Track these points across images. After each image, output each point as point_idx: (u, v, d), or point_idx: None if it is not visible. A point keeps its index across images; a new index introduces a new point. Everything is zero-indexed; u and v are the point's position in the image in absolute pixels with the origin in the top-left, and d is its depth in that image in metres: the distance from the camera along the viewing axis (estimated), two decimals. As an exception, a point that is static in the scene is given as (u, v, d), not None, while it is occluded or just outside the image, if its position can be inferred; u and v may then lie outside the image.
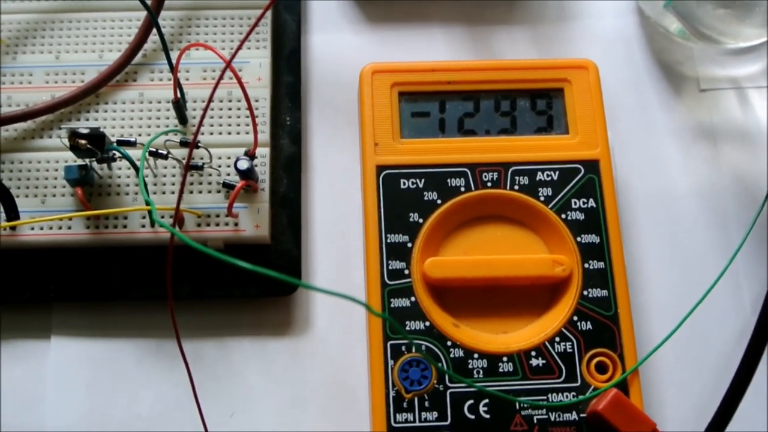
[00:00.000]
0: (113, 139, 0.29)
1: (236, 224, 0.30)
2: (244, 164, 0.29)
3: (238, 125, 0.31)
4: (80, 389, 0.30)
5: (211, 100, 0.25)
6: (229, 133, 0.31)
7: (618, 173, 0.33)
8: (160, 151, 0.29)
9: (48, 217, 0.29)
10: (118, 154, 0.29)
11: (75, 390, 0.30)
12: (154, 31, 0.31)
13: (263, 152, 0.31)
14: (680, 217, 0.33)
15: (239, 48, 0.26)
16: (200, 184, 0.30)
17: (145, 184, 0.29)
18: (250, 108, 0.28)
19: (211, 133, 0.31)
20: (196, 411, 0.27)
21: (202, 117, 0.26)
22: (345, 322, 0.31)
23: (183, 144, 0.30)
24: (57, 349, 0.30)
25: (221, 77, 0.25)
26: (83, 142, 0.28)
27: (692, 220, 0.33)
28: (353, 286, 0.31)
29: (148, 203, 0.26)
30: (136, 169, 0.29)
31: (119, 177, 0.30)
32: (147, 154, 0.29)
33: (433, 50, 0.35)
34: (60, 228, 0.30)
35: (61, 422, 0.29)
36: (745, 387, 0.25)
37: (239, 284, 0.30)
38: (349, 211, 0.32)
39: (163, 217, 0.30)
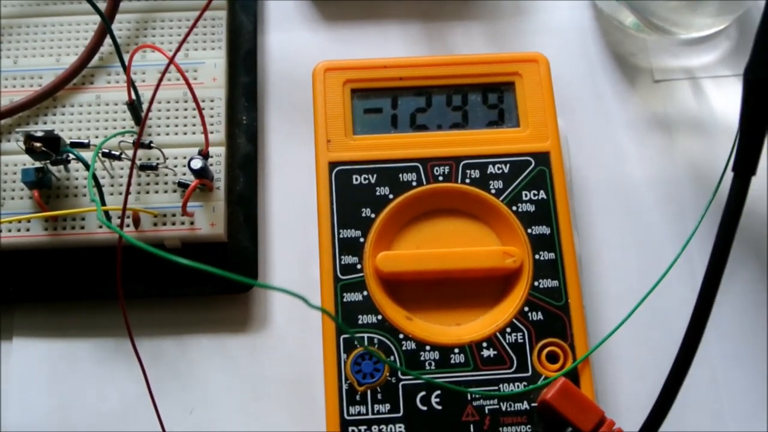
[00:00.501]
0: (68, 141, 0.30)
1: (192, 223, 0.30)
2: (197, 163, 0.29)
3: (194, 125, 0.31)
4: (42, 389, 0.30)
5: (153, 100, 0.25)
6: (185, 133, 0.31)
7: (573, 164, 0.33)
8: (113, 152, 0.30)
9: (5, 219, 0.30)
10: (72, 156, 0.29)
11: (37, 390, 0.30)
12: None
13: (218, 151, 0.31)
14: (636, 206, 0.33)
15: (180, 46, 0.26)
16: (156, 184, 0.31)
17: (100, 186, 0.30)
18: (198, 107, 0.29)
19: (167, 134, 0.31)
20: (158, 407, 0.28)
21: (145, 117, 0.26)
22: (302, 318, 0.31)
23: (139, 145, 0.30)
24: (19, 350, 0.31)
25: (163, 76, 0.25)
26: (38, 144, 0.28)
27: (648, 209, 0.33)
28: (311, 282, 0.31)
29: (99, 204, 0.26)
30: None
31: (76, 179, 0.31)
32: (101, 155, 0.30)
33: (390, 48, 0.35)
34: (19, 230, 0.30)
35: (24, 422, 0.30)
36: (683, 375, 0.25)
37: (196, 282, 0.31)
38: (307, 208, 0.32)
39: (120, 217, 0.30)
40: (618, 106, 0.34)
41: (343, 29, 0.35)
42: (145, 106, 0.31)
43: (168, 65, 0.26)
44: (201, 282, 0.30)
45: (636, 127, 0.34)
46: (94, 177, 0.29)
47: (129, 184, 0.27)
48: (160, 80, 0.26)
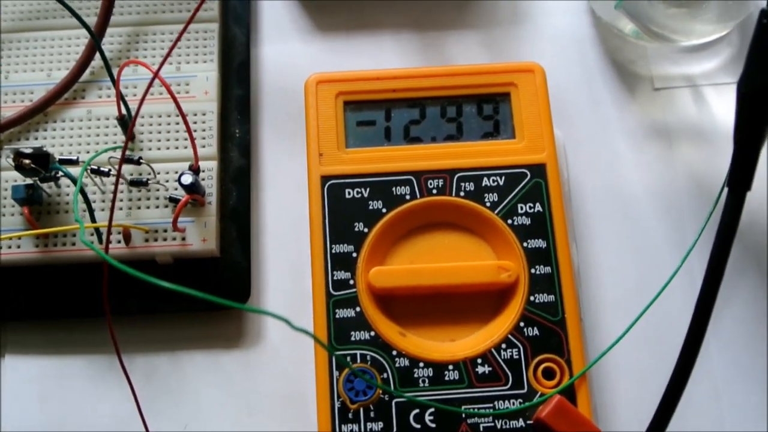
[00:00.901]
0: (57, 158, 0.29)
1: (184, 238, 0.30)
2: (187, 179, 0.29)
3: (185, 139, 0.31)
4: (34, 407, 0.30)
5: (137, 114, 0.25)
6: (177, 148, 0.31)
7: (572, 173, 0.33)
8: (102, 169, 0.29)
9: (-4, 237, 0.30)
10: (61, 173, 0.29)
11: (29, 408, 0.30)
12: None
13: (211, 165, 0.31)
14: (635, 215, 0.33)
15: (164, 60, 0.26)
16: (148, 199, 0.30)
17: (89, 203, 0.29)
18: (184, 120, 0.28)
19: (159, 148, 0.31)
20: (150, 425, 0.27)
21: (130, 131, 0.26)
22: (296, 334, 0.30)
23: (128, 161, 0.30)
24: (10, 368, 0.30)
25: (147, 90, 0.25)
26: (27, 161, 0.28)
27: (647, 218, 0.32)
28: (305, 297, 0.30)
29: (82, 223, 0.26)
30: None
31: (67, 195, 0.30)
32: (90, 171, 0.29)
33: (385, 57, 0.35)
34: (10, 247, 0.30)
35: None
36: (682, 387, 0.25)
37: (189, 298, 0.30)
38: (300, 222, 0.31)
39: (108, 234, 0.30)
40: (617, 114, 0.34)
41: (337, 40, 0.35)
42: (137, 121, 0.31)
43: (152, 80, 0.26)
44: (194, 298, 0.30)
45: (635, 136, 0.33)
46: (84, 194, 0.29)
47: (114, 200, 0.27)
48: (145, 94, 0.26)
